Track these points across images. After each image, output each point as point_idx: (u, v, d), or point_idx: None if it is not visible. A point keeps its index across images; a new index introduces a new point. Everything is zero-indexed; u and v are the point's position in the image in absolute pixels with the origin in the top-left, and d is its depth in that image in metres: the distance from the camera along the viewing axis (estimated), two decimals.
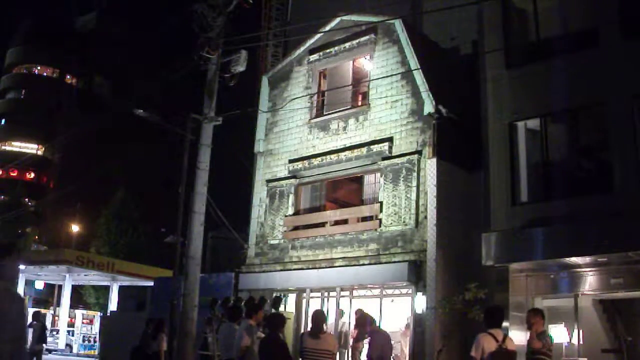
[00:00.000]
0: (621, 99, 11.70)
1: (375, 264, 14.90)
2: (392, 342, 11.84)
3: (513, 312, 12.03)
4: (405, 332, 14.75)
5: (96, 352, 27.08)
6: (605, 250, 11.04)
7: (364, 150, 15.90)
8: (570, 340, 12.08)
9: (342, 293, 15.84)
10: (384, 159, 15.49)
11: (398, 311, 15.57)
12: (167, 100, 38.15)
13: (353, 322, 14.22)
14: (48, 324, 32.02)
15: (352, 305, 15.35)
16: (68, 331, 30.99)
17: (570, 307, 12.12)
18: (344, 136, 16.65)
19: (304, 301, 16.63)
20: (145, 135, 40.55)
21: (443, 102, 14.69)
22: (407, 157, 15.04)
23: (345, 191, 18.21)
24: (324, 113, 17.46)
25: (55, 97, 59.37)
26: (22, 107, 60.32)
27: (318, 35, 17.91)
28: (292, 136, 17.90)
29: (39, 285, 38.49)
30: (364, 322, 10.85)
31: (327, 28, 17.60)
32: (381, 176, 15.50)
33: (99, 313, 34.30)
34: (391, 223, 14.93)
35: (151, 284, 24.91)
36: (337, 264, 15.71)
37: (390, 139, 15.52)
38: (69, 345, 30.31)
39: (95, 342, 30.32)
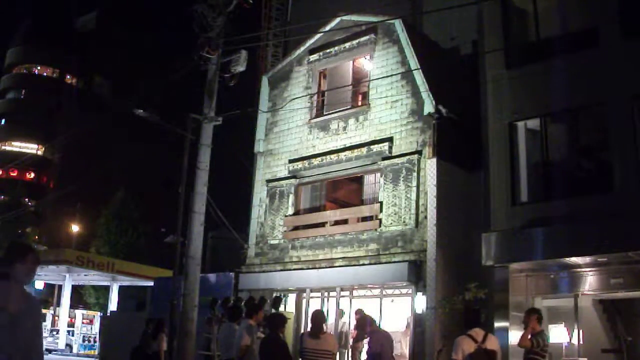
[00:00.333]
0: (621, 99, 11.69)
1: (375, 264, 14.90)
2: (393, 342, 11.83)
3: (513, 312, 12.02)
4: (405, 332, 14.75)
5: (96, 352, 27.09)
6: (605, 250, 11.03)
7: (364, 150, 15.90)
8: (570, 340, 12.08)
9: (342, 293, 15.84)
10: (384, 159, 15.49)
11: (398, 311, 15.56)
12: (167, 100, 38.15)
13: (353, 322, 14.23)
14: (48, 324, 32.10)
15: (352, 305, 15.35)
16: (68, 331, 31.00)
17: (570, 307, 12.11)
18: (344, 136, 16.65)
19: (304, 301, 16.63)
20: (145, 135, 40.60)
21: (443, 102, 14.69)
22: (407, 157, 15.04)
23: (345, 191, 18.21)
24: (324, 113, 17.46)
25: (55, 97, 59.40)
26: (22, 107, 60.36)
27: (318, 35, 17.91)
28: (292, 136, 17.90)
29: (39, 285, 38.46)
30: (364, 323, 10.85)
31: (327, 28, 17.60)
32: (381, 176, 15.51)
33: (99, 313, 34.31)
34: (391, 223, 14.93)
35: (151, 284, 24.92)
36: (337, 264, 15.72)
37: (390, 139, 15.52)
38: (69, 345, 30.33)
39: (95, 342, 30.33)
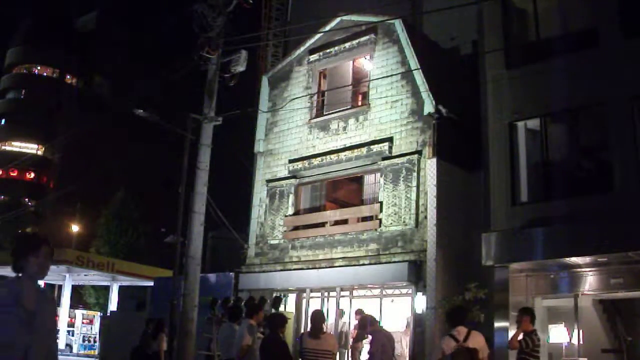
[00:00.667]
0: (621, 99, 11.69)
1: (375, 264, 14.91)
2: (394, 341, 11.83)
3: (513, 312, 11.98)
4: (405, 332, 14.75)
5: (96, 352, 27.08)
6: (605, 250, 11.03)
7: (364, 150, 15.90)
8: (570, 340, 12.08)
9: (342, 293, 15.85)
10: (384, 159, 15.49)
11: (398, 311, 15.56)
12: (167, 100, 38.16)
13: (353, 322, 14.23)
14: None
15: (352, 305, 15.36)
16: (68, 331, 30.97)
17: (570, 307, 12.11)
18: (344, 136, 16.65)
19: (304, 301, 16.63)
20: (145, 135, 40.59)
21: (443, 102, 14.69)
22: (407, 157, 15.04)
23: (345, 191, 18.21)
24: (324, 113, 17.47)
25: (55, 97, 59.34)
26: (22, 107, 60.29)
27: (318, 35, 17.91)
28: (292, 136, 17.90)
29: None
30: (364, 323, 10.86)
31: (327, 28, 17.60)
32: (381, 176, 15.51)
33: (99, 313, 34.27)
34: (391, 223, 14.93)
35: (151, 284, 24.91)
36: (337, 264, 15.72)
37: (390, 139, 15.52)
38: (69, 345, 30.31)
39: (95, 342, 30.30)
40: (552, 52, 12.88)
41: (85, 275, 31.42)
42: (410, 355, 14.07)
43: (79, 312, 34.22)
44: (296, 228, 17.19)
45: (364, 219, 15.97)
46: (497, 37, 13.83)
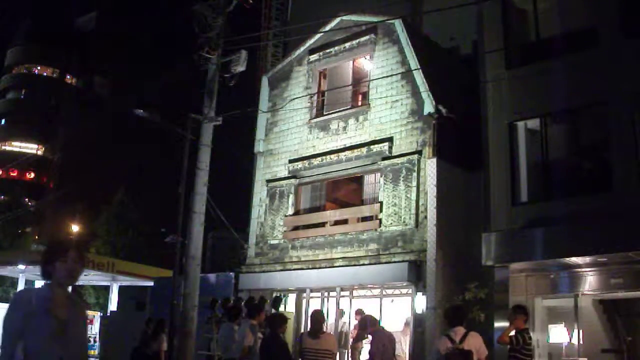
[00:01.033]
0: (621, 99, 11.69)
1: (375, 264, 14.90)
2: (395, 341, 11.83)
3: None
4: (404, 331, 14.74)
5: (96, 352, 27.05)
6: (605, 250, 11.03)
7: (364, 150, 15.90)
8: (570, 340, 12.08)
9: (342, 293, 15.84)
10: (384, 159, 15.48)
11: (398, 311, 15.56)
12: (167, 100, 38.13)
13: (353, 322, 14.23)
14: None
15: (352, 305, 15.36)
16: None
17: (570, 307, 12.11)
18: (344, 136, 16.65)
19: (304, 301, 16.63)
20: (145, 135, 40.55)
21: (443, 102, 14.69)
22: (407, 157, 15.04)
23: (345, 191, 18.21)
24: (324, 113, 17.46)
25: (55, 97, 59.36)
26: (22, 107, 60.29)
27: (318, 35, 17.90)
28: (292, 136, 17.90)
29: (39, 285, 38.45)
30: (365, 324, 10.86)
31: (327, 28, 17.60)
32: (381, 176, 15.50)
33: (99, 313, 34.25)
34: (391, 223, 14.93)
35: (151, 284, 24.89)
36: (337, 264, 15.71)
37: (390, 139, 15.52)
38: None
39: (95, 342, 30.28)
40: (552, 52, 12.89)
41: (85, 275, 31.29)
42: (410, 355, 14.06)
43: None
44: (296, 228, 17.19)
45: (364, 219, 15.96)
46: (497, 37, 13.82)
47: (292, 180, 17.45)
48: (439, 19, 18.86)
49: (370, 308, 14.30)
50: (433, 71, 15.37)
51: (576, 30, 13.06)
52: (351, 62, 17.44)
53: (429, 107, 14.76)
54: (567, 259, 11.70)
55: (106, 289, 34.69)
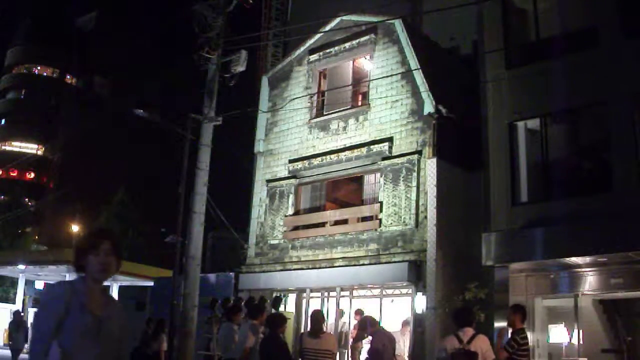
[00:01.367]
0: (621, 99, 11.69)
1: (375, 264, 14.90)
2: (395, 342, 11.82)
3: None
4: (403, 331, 14.73)
5: None
6: (605, 250, 11.03)
7: (364, 150, 15.90)
8: (570, 340, 12.07)
9: (342, 293, 15.84)
10: (384, 159, 15.48)
11: (398, 311, 15.56)
12: (167, 100, 38.15)
13: (353, 322, 14.23)
14: None
15: (352, 305, 15.36)
16: None
17: (570, 307, 12.11)
18: (344, 136, 16.65)
19: (304, 301, 16.63)
20: (145, 135, 40.57)
21: (443, 102, 14.69)
22: (407, 157, 15.04)
23: (345, 191, 18.21)
24: (324, 113, 17.46)
25: (55, 97, 59.39)
26: (22, 107, 60.34)
27: (318, 35, 17.90)
28: (292, 136, 17.90)
29: (39, 285, 38.44)
30: (364, 325, 10.86)
31: (327, 28, 17.60)
32: (381, 176, 15.50)
33: None
34: (391, 223, 14.93)
35: (151, 284, 24.90)
36: (337, 264, 15.71)
37: (390, 139, 15.51)
38: None
39: None
40: (552, 52, 12.88)
41: None
42: (410, 355, 14.05)
43: None
44: (296, 228, 17.19)
45: (364, 219, 15.96)
46: (497, 37, 13.82)
47: (292, 180, 17.45)
48: (439, 19, 18.88)
49: (370, 308, 14.32)
50: (433, 71, 15.37)
51: (576, 30, 13.05)
52: (351, 62, 17.44)
53: (429, 107, 14.76)
54: (567, 259, 11.70)
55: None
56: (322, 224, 16.65)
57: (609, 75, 11.87)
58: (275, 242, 17.39)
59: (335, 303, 15.86)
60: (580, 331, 11.91)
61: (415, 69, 15.10)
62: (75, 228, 44.83)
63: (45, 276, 32.49)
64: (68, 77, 62.77)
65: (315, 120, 17.45)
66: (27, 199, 51.12)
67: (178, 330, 11.95)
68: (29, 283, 34.74)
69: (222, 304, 13.02)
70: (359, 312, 13.31)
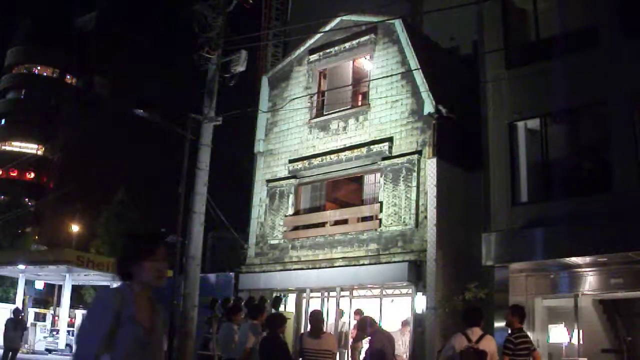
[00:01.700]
0: (621, 99, 11.69)
1: (375, 264, 14.90)
2: (395, 342, 11.82)
3: None
4: (402, 330, 14.73)
5: None
6: (605, 250, 11.03)
7: (364, 150, 15.90)
8: (570, 340, 12.07)
9: (342, 293, 15.84)
10: (384, 159, 15.48)
11: (398, 311, 15.55)
12: (167, 100, 38.16)
13: (353, 322, 14.22)
14: (48, 324, 32.11)
15: (352, 305, 15.35)
16: (68, 331, 30.96)
17: (570, 307, 12.11)
18: (344, 136, 16.65)
19: (304, 301, 16.63)
20: (145, 135, 40.57)
21: (443, 102, 14.69)
22: (407, 157, 15.04)
23: (345, 191, 18.21)
24: (324, 113, 17.46)
25: (55, 97, 59.41)
26: (22, 107, 60.38)
27: (318, 35, 17.90)
28: (292, 136, 17.90)
29: (39, 285, 38.49)
30: (363, 325, 10.86)
31: (327, 28, 17.60)
32: (381, 176, 15.50)
33: None
34: (391, 223, 14.93)
35: None
36: (337, 264, 15.71)
37: (390, 139, 15.52)
38: (69, 345, 30.28)
39: None
40: (552, 52, 12.88)
41: (85, 275, 31.43)
42: (410, 355, 14.05)
43: (79, 312, 34.24)
44: (296, 228, 17.19)
45: (364, 219, 15.96)
46: (497, 37, 13.82)
47: (292, 180, 17.45)
48: (439, 19, 18.87)
49: (370, 308, 14.31)
50: (433, 71, 15.36)
51: (576, 30, 13.05)
52: (351, 62, 17.44)
53: (429, 107, 14.76)
54: (567, 259, 11.70)
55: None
56: (322, 224, 16.65)
57: (609, 75, 11.87)
58: (275, 242, 17.39)
59: (335, 303, 15.86)
60: (580, 331, 11.91)
61: (415, 69, 15.10)
62: (75, 228, 44.85)
63: (45, 276, 32.53)
64: (68, 77, 62.81)
65: (315, 120, 17.45)
66: (27, 199, 51.14)
67: (178, 330, 11.95)
68: (29, 283, 34.77)
69: (222, 304, 13.02)
70: (358, 312, 13.31)
